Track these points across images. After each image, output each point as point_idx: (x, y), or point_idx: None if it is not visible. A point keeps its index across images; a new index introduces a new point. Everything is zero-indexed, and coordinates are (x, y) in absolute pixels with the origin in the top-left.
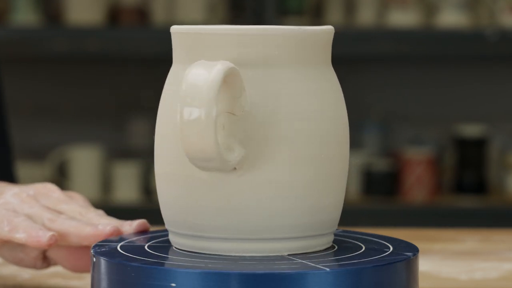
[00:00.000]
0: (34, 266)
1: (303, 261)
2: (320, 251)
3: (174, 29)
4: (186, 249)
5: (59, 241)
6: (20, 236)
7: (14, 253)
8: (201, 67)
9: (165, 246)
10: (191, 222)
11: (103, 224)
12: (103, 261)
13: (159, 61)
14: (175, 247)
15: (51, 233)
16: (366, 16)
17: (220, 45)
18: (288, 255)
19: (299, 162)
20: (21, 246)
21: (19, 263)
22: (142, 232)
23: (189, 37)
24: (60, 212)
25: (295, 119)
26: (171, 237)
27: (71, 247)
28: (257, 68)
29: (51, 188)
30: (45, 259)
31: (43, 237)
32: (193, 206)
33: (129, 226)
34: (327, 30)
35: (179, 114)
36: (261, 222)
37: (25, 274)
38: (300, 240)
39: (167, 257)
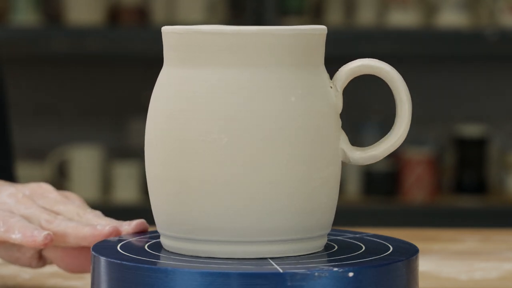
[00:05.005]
0: (30, 265)
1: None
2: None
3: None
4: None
5: (57, 242)
6: (15, 236)
7: (11, 252)
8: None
9: None
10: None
11: (102, 225)
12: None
13: (159, 61)
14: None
15: (46, 232)
16: (366, 16)
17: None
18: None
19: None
20: (17, 245)
21: (15, 262)
22: (141, 232)
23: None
24: (57, 213)
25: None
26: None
27: (67, 247)
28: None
29: (47, 189)
30: (40, 259)
31: (38, 236)
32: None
33: (127, 226)
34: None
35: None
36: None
37: (25, 274)
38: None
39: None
